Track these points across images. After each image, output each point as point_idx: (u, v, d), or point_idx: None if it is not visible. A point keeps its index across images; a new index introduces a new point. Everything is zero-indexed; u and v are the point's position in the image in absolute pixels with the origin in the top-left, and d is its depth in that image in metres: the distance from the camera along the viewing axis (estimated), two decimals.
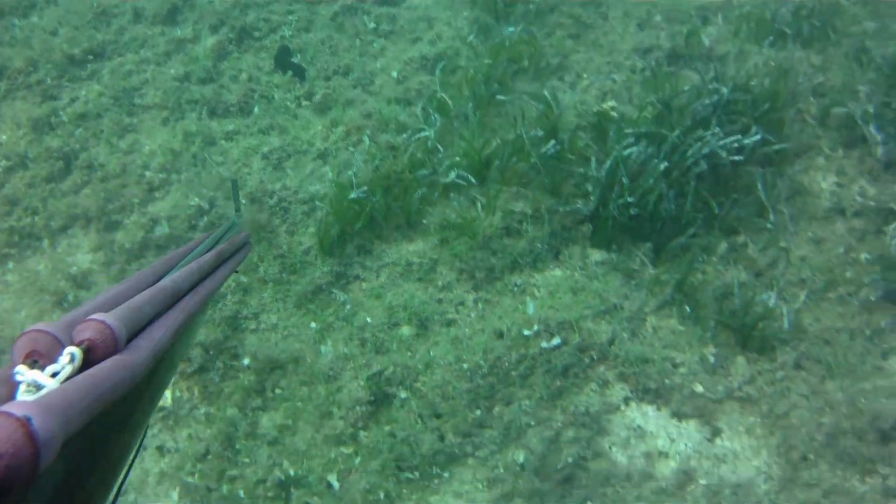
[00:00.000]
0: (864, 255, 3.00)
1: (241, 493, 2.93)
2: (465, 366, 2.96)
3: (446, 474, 2.80)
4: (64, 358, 0.67)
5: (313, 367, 3.14)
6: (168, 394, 3.33)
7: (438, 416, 2.90)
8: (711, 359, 2.84)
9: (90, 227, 3.99)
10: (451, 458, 2.82)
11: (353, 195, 3.44)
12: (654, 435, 2.73)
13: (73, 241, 3.93)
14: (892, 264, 2.89)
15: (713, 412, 2.76)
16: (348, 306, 3.27)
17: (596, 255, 3.10)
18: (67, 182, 4.04)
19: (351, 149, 3.81)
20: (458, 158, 3.47)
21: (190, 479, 3.01)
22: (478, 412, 2.87)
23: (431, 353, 3.02)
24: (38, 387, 0.63)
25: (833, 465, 2.66)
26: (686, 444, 2.70)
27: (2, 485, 0.48)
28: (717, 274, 2.99)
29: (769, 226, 3.15)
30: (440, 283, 3.20)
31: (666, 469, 2.67)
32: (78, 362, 0.68)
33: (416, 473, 2.82)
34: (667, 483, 2.65)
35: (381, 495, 2.82)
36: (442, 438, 2.85)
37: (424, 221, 3.35)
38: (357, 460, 2.91)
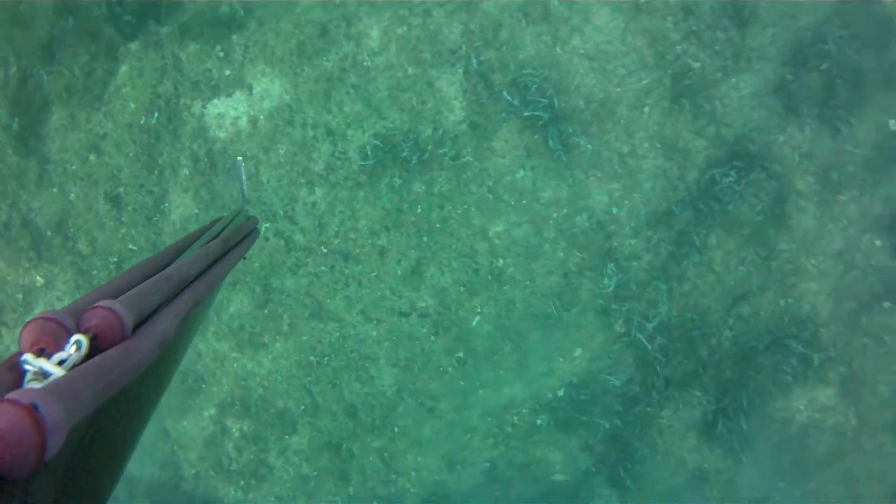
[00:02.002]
0: None
1: None
2: (131, 154, 5.02)
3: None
4: (71, 346, 0.67)
5: (74, 207, 5.27)
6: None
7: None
8: (221, 55, 4.76)
9: None
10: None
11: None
12: (227, 113, 4.84)
13: None
14: None
15: (243, 79, 4.79)
16: (59, 168, 5.22)
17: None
18: None
19: None
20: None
21: None
22: (156, 177, 5.03)
23: (117, 163, 5.06)
24: (45, 374, 0.63)
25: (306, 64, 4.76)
26: (242, 106, 4.83)
27: (9, 472, 0.49)
28: None
29: None
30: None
31: (244, 123, 4.85)
32: (84, 350, 0.68)
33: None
34: (247, 129, 4.86)
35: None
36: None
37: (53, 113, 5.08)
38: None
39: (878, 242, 5.10)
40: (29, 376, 0.65)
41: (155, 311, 0.88)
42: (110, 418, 0.73)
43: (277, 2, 4.65)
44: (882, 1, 5.04)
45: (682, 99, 4.86)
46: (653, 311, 4.96)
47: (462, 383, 4.94)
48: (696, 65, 4.84)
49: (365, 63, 4.74)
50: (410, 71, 4.75)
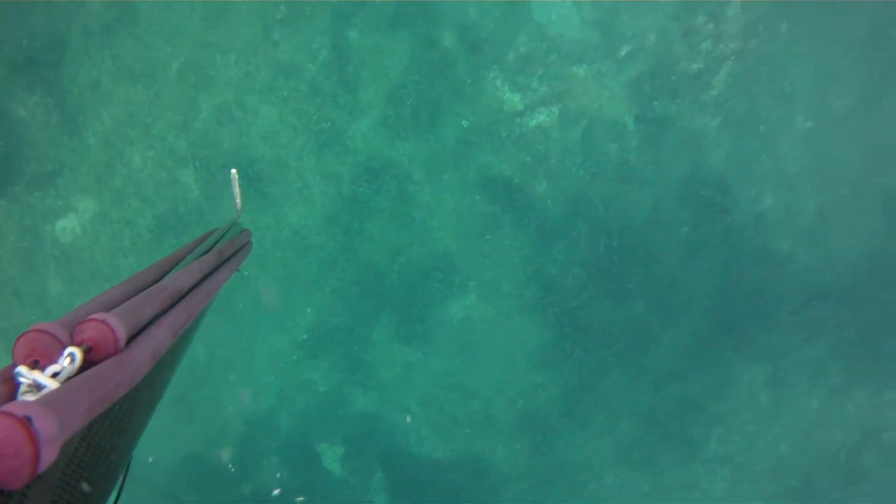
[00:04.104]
0: None
1: None
2: (18, 265, 8.48)
3: None
4: (64, 358, 0.68)
5: None
6: None
7: None
8: (54, 194, 8.14)
9: None
10: None
11: None
12: (67, 226, 8.22)
13: None
14: None
15: (71, 204, 8.15)
16: None
17: None
18: None
19: None
20: None
21: None
22: None
23: (11, 273, 8.53)
24: (39, 387, 0.64)
25: None
26: (75, 220, 8.19)
27: (3, 483, 0.49)
28: None
29: None
30: None
31: (78, 230, 8.22)
32: (78, 362, 0.69)
33: None
34: (81, 233, 8.22)
35: None
36: None
37: None
38: None
39: (478, 197, 8.06)
40: (23, 388, 0.65)
41: (149, 323, 0.89)
42: (104, 430, 0.74)
43: (76, 157, 8.01)
44: (442, 45, 7.99)
45: (326, 146, 7.96)
46: (345, 274, 8.08)
47: (244, 344, 8.20)
48: (328, 124, 7.92)
49: (136, 177, 8.05)
50: (164, 175, 8.03)
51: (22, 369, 0.68)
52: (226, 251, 1.54)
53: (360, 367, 8.29)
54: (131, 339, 0.83)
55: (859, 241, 8.70)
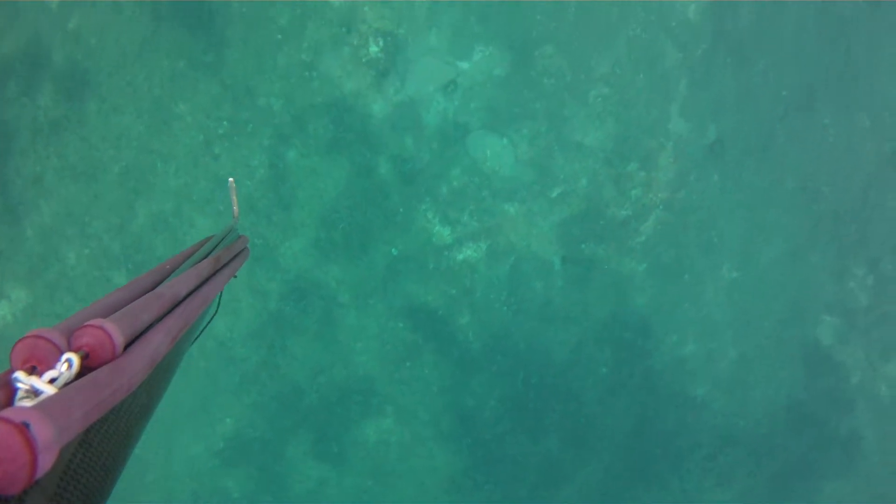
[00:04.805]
0: None
1: None
2: None
3: None
4: (62, 364, 0.68)
5: None
6: None
7: None
8: None
9: None
10: None
11: None
12: None
13: None
14: None
15: (3, 291, 8.29)
16: None
17: None
18: None
19: None
20: None
21: None
22: None
23: None
24: (37, 392, 0.64)
25: None
26: (7, 308, 8.32)
27: (0, 489, 0.49)
28: None
29: None
30: None
31: (9, 318, 8.35)
32: (76, 368, 0.69)
33: None
34: (12, 321, 8.35)
35: None
36: None
37: None
38: None
39: (401, 324, 8.21)
40: (20, 394, 0.66)
41: (146, 329, 0.89)
42: (101, 436, 0.74)
43: (13, 246, 8.16)
44: (378, 172, 8.15)
45: (256, 262, 8.10)
46: (265, 388, 8.21)
47: (162, 448, 8.31)
48: (260, 241, 8.07)
49: (69, 273, 8.18)
50: (96, 274, 8.17)
51: (19, 375, 0.69)
52: (223, 257, 1.56)
53: (274, 479, 8.40)
54: (129, 344, 0.85)
55: (776, 391, 8.86)
